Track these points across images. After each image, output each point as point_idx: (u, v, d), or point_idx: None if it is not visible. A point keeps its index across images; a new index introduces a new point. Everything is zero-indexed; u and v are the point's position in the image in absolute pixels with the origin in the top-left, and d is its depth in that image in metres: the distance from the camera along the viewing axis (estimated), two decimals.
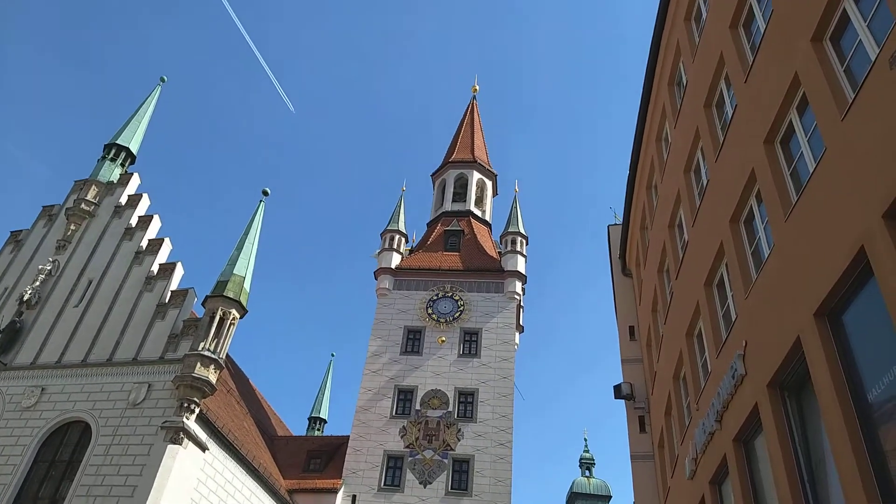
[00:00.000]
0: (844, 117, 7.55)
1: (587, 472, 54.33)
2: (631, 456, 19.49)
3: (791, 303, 8.82)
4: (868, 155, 7.05)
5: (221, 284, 23.79)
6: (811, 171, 8.56)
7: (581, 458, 55.37)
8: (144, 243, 25.71)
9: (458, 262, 36.08)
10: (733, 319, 11.39)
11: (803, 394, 9.04)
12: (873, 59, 7.07)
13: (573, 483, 52.92)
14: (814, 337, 8.06)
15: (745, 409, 10.34)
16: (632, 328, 22.07)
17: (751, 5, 11.03)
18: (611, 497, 52.36)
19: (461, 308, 34.08)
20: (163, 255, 25.58)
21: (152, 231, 26.31)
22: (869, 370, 7.26)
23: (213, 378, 21.50)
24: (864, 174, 7.11)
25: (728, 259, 11.61)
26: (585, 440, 59.10)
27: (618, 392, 19.99)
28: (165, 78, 32.90)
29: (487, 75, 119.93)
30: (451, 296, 34.56)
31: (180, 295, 24.31)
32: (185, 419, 20.28)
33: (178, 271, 25.21)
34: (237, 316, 23.71)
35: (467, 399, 31.57)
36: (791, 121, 9.34)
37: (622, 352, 21.80)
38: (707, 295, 12.85)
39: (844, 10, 7.91)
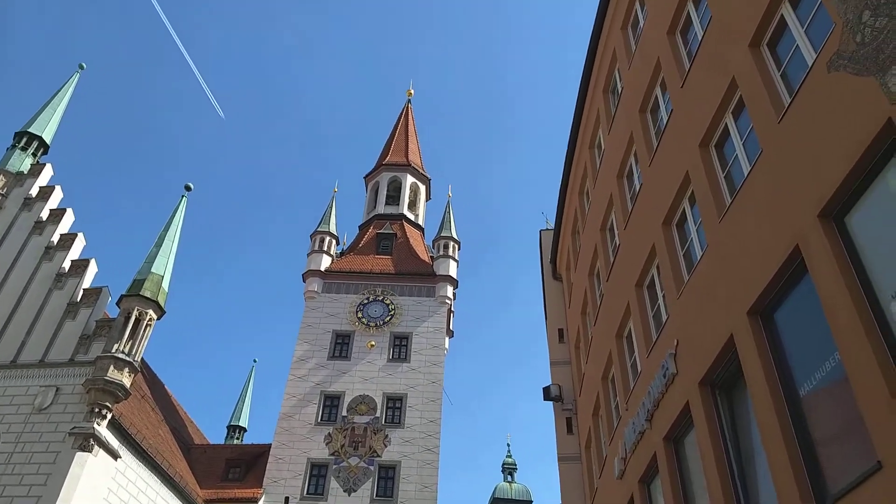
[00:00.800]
0: (781, 119, 7.76)
1: (509, 477, 55.01)
2: (558, 457, 19.64)
3: (724, 302, 9.00)
4: (804, 156, 7.24)
5: (138, 283, 22.63)
6: (746, 173, 8.77)
7: (503, 464, 55.98)
8: (56, 238, 24.16)
9: (389, 266, 35.72)
10: (664, 319, 11.58)
11: (734, 392, 9.22)
12: (811, 63, 7.28)
13: (495, 488, 53.44)
14: (747, 335, 8.22)
15: (675, 407, 10.49)
16: (561, 331, 22.33)
17: (689, 13, 11.30)
18: (531, 502, 53.12)
19: (392, 312, 33.72)
20: (75, 252, 24.12)
21: (64, 225, 24.76)
22: (800, 366, 7.44)
23: (127, 382, 20.35)
24: (800, 175, 7.30)
25: (660, 260, 11.81)
26: (508, 445, 59.94)
27: (547, 394, 20.14)
28: (84, 65, 31.14)
29: (423, 80, 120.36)
30: (382, 300, 34.15)
31: (93, 294, 22.97)
32: (95, 425, 19.10)
33: (92, 269, 23.84)
34: (154, 317, 22.59)
35: (395, 404, 31.20)
36: (727, 124, 9.57)
37: (551, 354, 22.01)
38: (638, 296, 13.06)
39: (782, 16, 8.16)
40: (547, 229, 25.21)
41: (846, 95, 6.54)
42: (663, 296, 11.79)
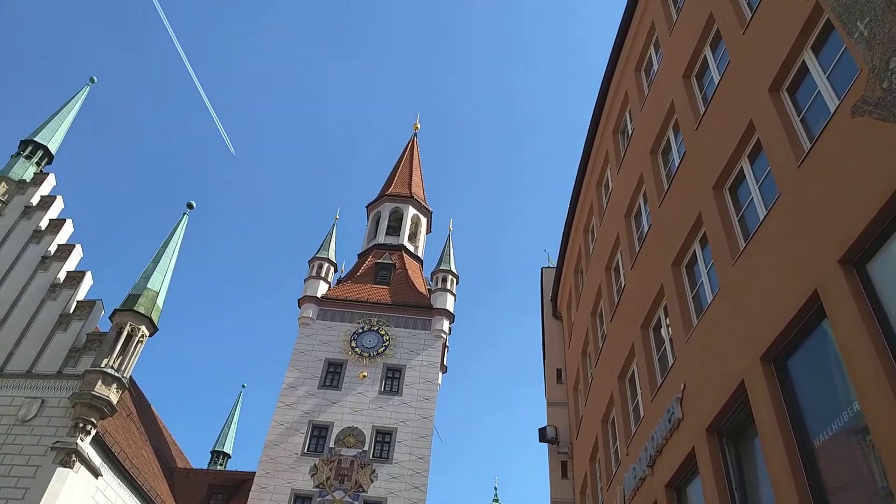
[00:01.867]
0: (801, 164, 7.71)
1: None
2: (551, 502, 19.16)
3: (735, 346, 8.82)
4: (825, 201, 7.16)
5: (132, 298, 22.36)
6: (761, 217, 8.69)
7: None
8: (53, 248, 23.95)
9: (386, 296, 35.47)
10: (671, 363, 11.37)
11: (742, 439, 8.99)
12: (833, 108, 7.26)
13: None
14: (759, 380, 8.03)
15: (680, 453, 10.22)
16: (559, 371, 22.03)
17: (706, 57, 11.38)
18: None
19: (386, 343, 33.35)
20: (72, 263, 23.89)
21: (63, 236, 24.57)
22: (814, 415, 7.25)
23: (114, 398, 19.95)
24: (820, 220, 7.21)
25: (668, 302, 11.66)
26: (496, 489, 58.67)
27: (542, 435, 19.76)
28: (95, 79, 31.34)
29: (430, 115, 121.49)
30: (377, 330, 33.81)
31: (86, 306, 22.68)
32: (79, 440, 18.63)
33: (87, 281, 23.59)
34: (147, 333, 22.28)
35: (385, 438, 30.63)
36: (742, 168, 9.54)
37: (548, 395, 21.67)
38: (643, 337, 12.86)
39: (804, 62, 8.18)
40: (549, 267, 25.09)
41: (871, 141, 6.50)
42: (670, 338, 11.61)
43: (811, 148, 7.59)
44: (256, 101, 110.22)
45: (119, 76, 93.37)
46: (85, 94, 30.73)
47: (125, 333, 21.37)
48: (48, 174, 26.39)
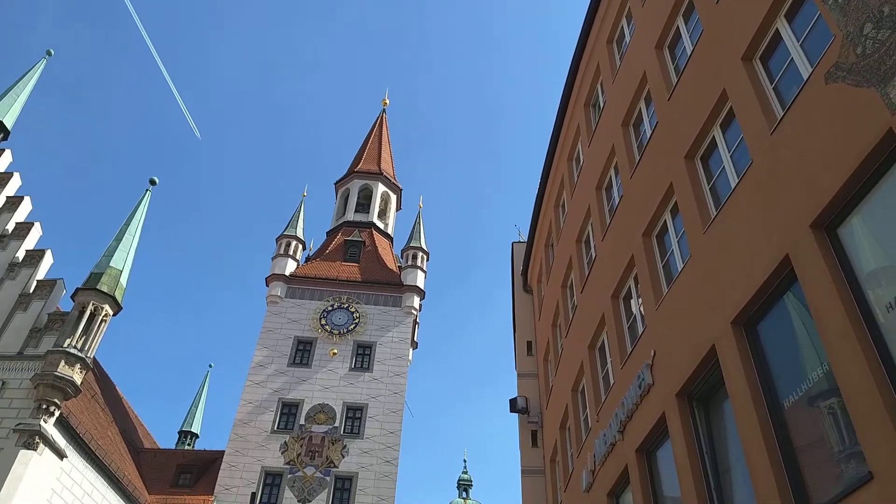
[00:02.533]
0: (774, 131, 7.79)
1: (464, 494, 54.57)
2: (522, 471, 19.44)
3: (706, 312, 8.96)
4: (797, 167, 7.26)
5: (95, 277, 21.86)
6: (733, 185, 8.79)
7: (459, 479, 55.58)
8: (11, 226, 23.20)
9: (356, 274, 35.29)
10: (640, 331, 11.53)
11: (712, 403, 9.18)
12: (807, 75, 7.33)
13: None
14: (730, 345, 8.18)
15: (650, 419, 10.41)
16: (529, 343, 22.23)
17: (678, 27, 11.40)
18: None
19: (356, 320, 33.25)
20: (31, 241, 23.22)
21: (21, 214, 23.82)
22: (784, 377, 7.41)
23: (77, 379, 19.55)
24: (792, 186, 7.31)
25: (638, 271, 11.79)
26: (465, 461, 59.59)
27: (513, 406, 19.97)
28: (52, 52, 30.20)
29: (399, 90, 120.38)
30: (347, 307, 33.67)
31: (47, 286, 22.12)
32: (42, 422, 18.24)
33: (47, 260, 22.96)
34: (110, 312, 21.83)
35: (356, 414, 30.68)
36: (714, 137, 9.62)
37: (518, 366, 21.88)
38: (614, 307, 13.01)
39: (777, 30, 8.24)
40: (519, 242, 25.20)
41: (844, 107, 6.58)
42: (640, 307, 11.76)
43: (784, 115, 7.67)
44: (221, 77, 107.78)
45: (77, 49, 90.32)
46: (41, 67, 29.63)
47: (88, 313, 20.91)
48: (4, 150, 25.47)
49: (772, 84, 8.28)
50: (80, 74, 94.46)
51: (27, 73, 28.84)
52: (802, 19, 7.80)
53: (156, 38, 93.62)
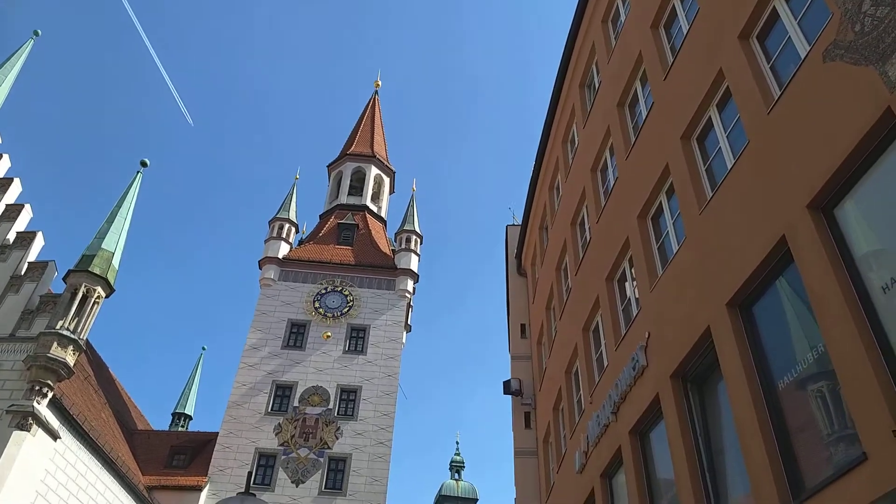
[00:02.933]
0: (770, 111, 7.72)
1: (456, 475, 55.06)
2: (514, 452, 19.55)
3: (701, 294, 8.94)
4: (794, 147, 7.20)
5: (87, 259, 21.68)
6: (729, 165, 8.74)
7: (452, 461, 56.00)
8: (1, 208, 22.91)
9: (350, 257, 35.21)
10: (635, 313, 11.53)
11: (706, 385, 9.19)
12: (804, 54, 7.25)
13: (442, 485, 53.50)
14: (725, 326, 8.16)
15: (644, 400, 10.43)
16: (523, 326, 22.27)
17: (674, 6, 11.28)
18: (477, 500, 53.39)
19: (350, 303, 33.23)
20: (21, 223, 22.96)
21: (11, 195, 23.50)
22: (779, 359, 7.41)
23: (70, 360, 19.45)
24: (788, 166, 7.26)
25: (633, 253, 11.76)
26: (457, 443, 59.95)
27: (506, 388, 20.05)
28: (39, 32, 29.71)
29: (392, 72, 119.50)
30: (341, 290, 33.63)
31: (39, 267, 21.92)
32: (35, 403, 18.16)
33: (39, 241, 22.74)
34: (102, 294, 21.68)
35: (349, 397, 30.77)
36: (710, 117, 9.54)
37: (512, 349, 21.92)
38: (608, 290, 13.00)
39: (774, 8, 8.14)
40: (514, 225, 25.15)
41: (842, 85, 6.51)
42: (635, 289, 11.74)
43: (781, 94, 7.60)
44: (212, 59, 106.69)
45: (65, 30, 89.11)
46: (29, 48, 29.17)
47: (80, 295, 20.77)
48: None
49: (769, 63, 8.19)
50: (70, 55, 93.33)
51: (14, 53, 28.39)
52: None
53: (144, 19, 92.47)
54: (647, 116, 11.83)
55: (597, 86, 15.53)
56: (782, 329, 7.56)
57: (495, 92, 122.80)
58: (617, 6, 14.64)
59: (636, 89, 12.86)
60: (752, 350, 7.81)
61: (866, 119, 6.03)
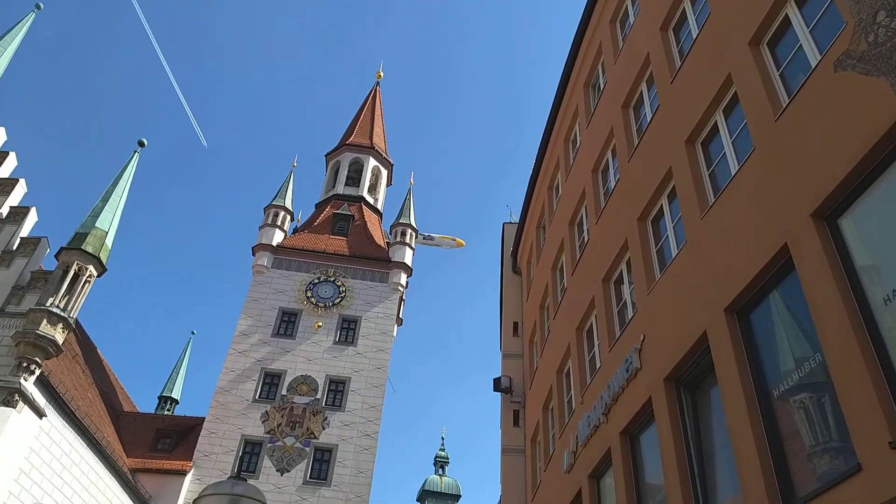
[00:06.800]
0: (778, 118, 7.70)
1: (440, 471, 55.16)
2: (502, 450, 19.55)
3: (699, 298, 8.93)
4: (801, 155, 7.18)
5: (80, 237, 21.54)
6: (733, 171, 8.72)
7: (436, 457, 56.10)
8: None
9: (344, 247, 35.11)
10: (630, 315, 11.52)
11: (699, 389, 9.18)
12: (815, 62, 7.23)
13: (426, 480, 53.63)
14: (722, 332, 8.15)
15: (636, 402, 10.42)
16: (516, 324, 22.26)
17: (684, 9, 11.24)
18: (460, 496, 53.52)
19: (342, 294, 33.15)
20: (15, 198, 22.76)
21: (6, 169, 23.32)
22: (775, 366, 7.40)
23: (59, 338, 19.32)
24: (794, 174, 7.24)
25: (632, 255, 11.74)
26: (443, 438, 60.10)
27: (497, 385, 20.04)
28: (41, 5, 29.42)
29: (394, 64, 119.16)
30: (334, 281, 33.54)
31: (31, 243, 21.74)
32: (22, 380, 18.04)
33: (32, 217, 22.55)
34: (94, 273, 21.54)
35: (338, 387, 30.71)
36: (716, 122, 9.52)
37: (504, 346, 21.91)
38: (604, 291, 12.98)
39: (786, 15, 8.12)
40: (511, 222, 25.14)
41: (853, 95, 6.49)
42: (632, 291, 11.73)
43: (789, 102, 7.58)
44: (212, 43, 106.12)
45: (67, 5, 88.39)
46: (30, 21, 28.89)
47: (72, 273, 20.62)
48: None
49: (778, 70, 8.17)
50: (70, 30, 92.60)
51: (14, 26, 28.11)
52: (813, 6, 7.68)
53: (144, 1, 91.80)
54: (651, 119, 11.81)
55: (602, 86, 15.49)
56: (780, 337, 7.54)
57: (495, 91, 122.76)
58: (626, 7, 14.60)
59: (642, 91, 12.83)
60: (749, 357, 7.80)
61: (876, 130, 6.01)
